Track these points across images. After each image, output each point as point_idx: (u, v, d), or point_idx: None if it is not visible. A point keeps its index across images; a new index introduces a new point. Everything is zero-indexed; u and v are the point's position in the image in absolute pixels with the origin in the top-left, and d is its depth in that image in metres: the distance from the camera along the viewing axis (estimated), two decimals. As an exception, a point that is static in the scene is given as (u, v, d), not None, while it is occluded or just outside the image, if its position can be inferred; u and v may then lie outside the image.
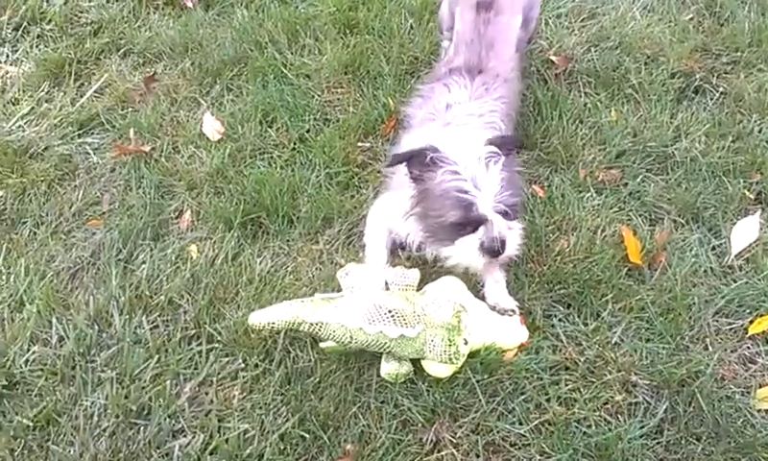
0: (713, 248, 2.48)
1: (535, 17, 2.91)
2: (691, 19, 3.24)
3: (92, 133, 2.96)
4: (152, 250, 2.51)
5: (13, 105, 3.09)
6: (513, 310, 2.26)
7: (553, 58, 3.09)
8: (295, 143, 2.86)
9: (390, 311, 2.06)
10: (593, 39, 3.18)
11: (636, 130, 2.82)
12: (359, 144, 2.84)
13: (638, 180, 2.67)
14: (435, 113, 2.50)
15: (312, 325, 2.06)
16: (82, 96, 3.11)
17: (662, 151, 2.74)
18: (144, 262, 2.46)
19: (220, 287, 2.37)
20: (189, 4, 3.48)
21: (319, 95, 3.05)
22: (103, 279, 2.41)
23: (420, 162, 2.17)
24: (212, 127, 2.91)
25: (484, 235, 2.11)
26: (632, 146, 2.76)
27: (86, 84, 3.18)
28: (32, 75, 3.19)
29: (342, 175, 2.73)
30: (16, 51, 3.34)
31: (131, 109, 3.03)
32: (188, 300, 2.34)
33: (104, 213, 2.65)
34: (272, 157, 2.81)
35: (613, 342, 2.21)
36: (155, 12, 3.49)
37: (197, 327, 2.27)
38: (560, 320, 2.26)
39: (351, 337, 2.05)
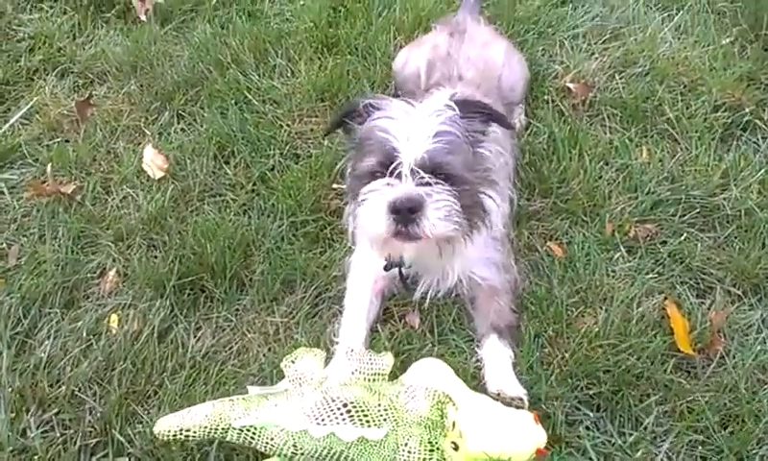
0: (782, 330, 1.93)
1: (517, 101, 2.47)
2: (733, 43, 2.73)
3: (11, 168, 2.42)
4: (60, 320, 1.96)
5: None
6: (520, 399, 1.71)
7: (570, 85, 2.57)
8: (254, 184, 2.32)
9: (345, 406, 1.49)
10: (618, 65, 2.66)
11: (675, 174, 2.28)
12: (334, 186, 2.31)
13: (681, 238, 2.12)
14: None
15: (242, 431, 1.49)
16: (5, 122, 2.58)
17: (708, 201, 2.21)
18: (48, 338, 1.91)
19: (140, 375, 1.80)
20: (143, 17, 2.97)
21: (288, 125, 2.53)
22: (-9, 360, 1.86)
23: (357, 116, 1.80)
24: (154, 162, 2.38)
25: (394, 191, 1.64)
26: (670, 194, 2.22)
27: (13, 108, 2.65)
28: (-52, 97, 2.67)
29: (310, 224, 2.19)
30: (-64, 68, 2.83)
31: (59, 140, 2.50)
32: (97, 393, 1.78)
33: (8, 270, 2.10)
34: (224, 201, 2.28)
35: (661, 460, 1.65)
36: (102, 27, 2.98)
37: (103, 434, 1.70)
38: (588, 428, 1.70)
39: (295, 445, 1.48)
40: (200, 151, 2.43)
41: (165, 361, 1.83)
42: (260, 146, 2.44)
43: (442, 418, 1.53)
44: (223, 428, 1.49)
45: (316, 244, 2.15)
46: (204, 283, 2.02)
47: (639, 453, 1.65)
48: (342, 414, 1.46)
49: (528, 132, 2.44)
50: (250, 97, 2.61)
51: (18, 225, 2.23)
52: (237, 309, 1.98)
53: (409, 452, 1.48)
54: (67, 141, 2.51)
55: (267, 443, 1.49)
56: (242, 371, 1.82)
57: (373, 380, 1.62)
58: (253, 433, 1.49)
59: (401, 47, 2.72)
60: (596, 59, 2.70)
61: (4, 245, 2.18)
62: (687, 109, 2.48)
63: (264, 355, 1.87)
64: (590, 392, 1.75)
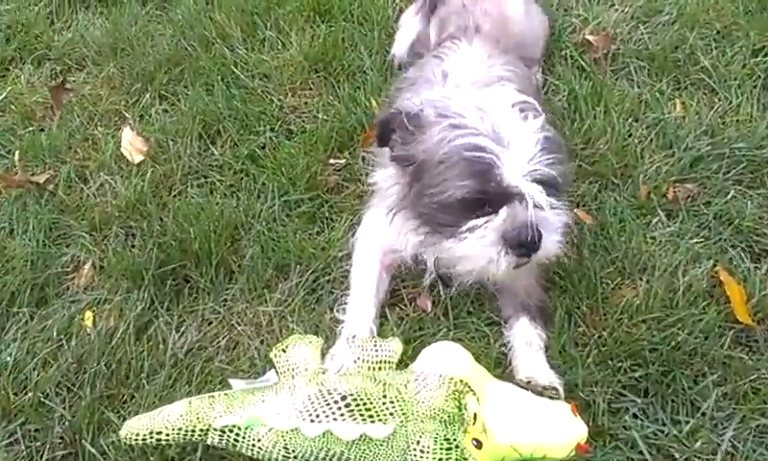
0: None
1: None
2: (770, -16, 2.46)
3: (-20, 160, 2.22)
4: (29, 321, 1.74)
5: None
6: (555, 388, 1.46)
7: (590, 38, 2.32)
8: (243, 163, 2.10)
9: (343, 398, 1.26)
10: (641, 14, 2.41)
11: (715, 127, 2.03)
12: (331, 161, 2.08)
13: (727, 197, 1.86)
14: (432, 82, 1.77)
15: (224, 432, 1.26)
16: (-23, 113, 2.38)
17: (756, 155, 1.95)
18: (14, 340, 1.69)
19: (115, 378, 1.58)
20: (123, -2, 2.76)
21: (279, 100, 2.30)
22: (-50, 368, 1.64)
23: (400, 130, 1.48)
24: (133, 145, 2.16)
25: (509, 219, 1.36)
26: (711, 149, 1.96)
27: (-15, 99, 2.45)
28: None
29: (305, 203, 1.96)
30: None
31: (32, 128, 2.29)
32: (67, 399, 1.56)
33: (-26, 268, 1.89)
34: (210, 183, 2.05)
35: (724, 450, 1.39)
36: (81, 10, 2.77)
37: (73, 444, 1.48)
38: (635, 417, 1.45)
39: (286, 448, 1.24)
40: (183, 132, 2.20)
41: (143, 360, 1.60)
42: (249, 123, 2.21)
43: (460, 410, 1.29)
44: (201, 430, 1.27)
45: (312, 224, 1.92)
46: (188, 272, 1.80)
47: (699, 443, 1.40)
48: (340, 409, 1.23)
49: (545, 90, 2.19)
50: (237, 73, 2.39)
51: (-13, 220, 2.03)
52: (225, 299, 1.76)
53: (422, 451, 1.24)
54: (42, 130, 2.30)
55: (253, 445, 1.26)
56: (230, 367, 1.60)
57: (378, 369, 1.38)
58: (237, 434, 1.26)
59: (402, 10, 2.49)
60: (616, 9, 2.45)
61: (-31, 242, 1.97)
62: (723, 56, 2.22)
63: (256, 349, 1.64)
64: (636, 374, 1.50)
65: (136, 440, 1.26)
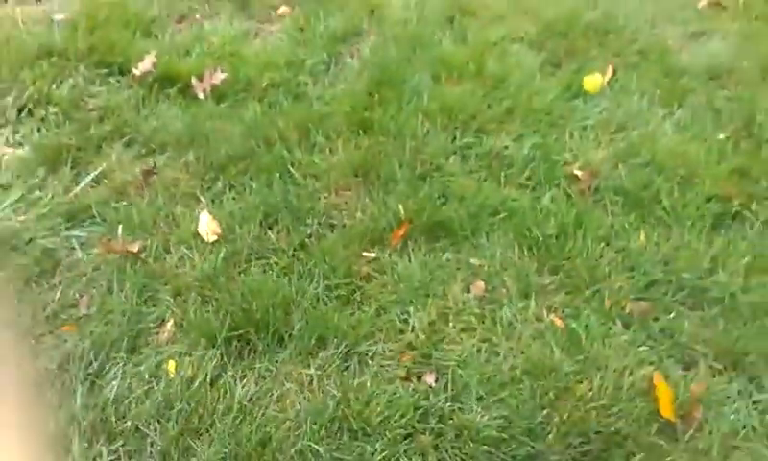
0: (755, 403, 2.16)
1: None
2: (728, 139, 3.03)
3: (81, 226, 2.77)
4: (125, 364, 2.26)
5: (4, 190, 2.93)
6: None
7: (578, 172, 2.88)
8: (295, 249, 2.64)
9: None
10: (622, 155, 2.97)
11: (669, 257, 2.56)
12: (364, 254, 2.62)
13: (671, 315, 2.39)
14: None
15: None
16: (76, 185, 2.95)
17: (697, 284, 2.47)
18: (115, 378, 2.21)
19: (194, 415, 2.10)
20: (201, 95, 3.37)
21: (325, 197, 2.86)
22: (67, 396, 2.16)
23: None
24: (208, 227, 2.72)
25: None
26: (663, 276, 2.50)
27: (83, 172, 3.03)
28: (28, 160, 3.05)
29: (342, 288, 2.49)
30: (17, 133, 3.23)
31: (125, 203, 2.85)
32: (157, 428, 2.07)
33: (80, 318, 2.42)
34: (268, 264, 2.59)
35: (644, 514, 1.89)
36: (164, 101, 3.38)
37: (163, 463, 1.99)
38: (580, 482, 1.95)
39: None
40: (248, 217, 2.76)
41: (216, 403, 2.12)
42: (301, 215, 2.76)
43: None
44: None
45: (347, 306, 2.45)
46: (250, 336, 2.32)
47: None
48: None
49: (542, 213, 2.73)
50: (292, 171, 2.96)
51: (89, 278, 2.56)
52: (277, 361, 2.27)
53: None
54: (131, 204, 2.86)
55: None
56: (281, 415, 2.10)
57: None
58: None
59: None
60: (603, 149, 3.02)
61: (76, 295, 2.50)
62: (683, 198, 2.77)
63: (299, 403, 2.15)
64: (583, 449, 2.00)
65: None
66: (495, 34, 3.65)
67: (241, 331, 2.32)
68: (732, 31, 3.57)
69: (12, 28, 3.81)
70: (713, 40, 3.54)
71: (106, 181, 2.98)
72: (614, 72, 3.34)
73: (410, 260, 2.57)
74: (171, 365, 2.25)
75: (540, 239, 2.60)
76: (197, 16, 3.92)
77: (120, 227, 2.67)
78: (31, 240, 2.69)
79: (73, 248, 2.67)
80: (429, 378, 2.23)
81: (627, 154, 2.98)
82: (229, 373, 2.22)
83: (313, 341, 2.31)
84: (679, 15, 3.69)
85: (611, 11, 3.69)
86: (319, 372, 2.24)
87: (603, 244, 2.61)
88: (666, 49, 3.49)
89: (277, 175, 2.94)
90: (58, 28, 3.79)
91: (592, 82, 3.28)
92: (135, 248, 2.63)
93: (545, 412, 2.09)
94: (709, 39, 3.55)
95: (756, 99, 3.18)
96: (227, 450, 1.99)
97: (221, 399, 2.14)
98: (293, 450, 2.01)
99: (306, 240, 2.68)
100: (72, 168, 3.03)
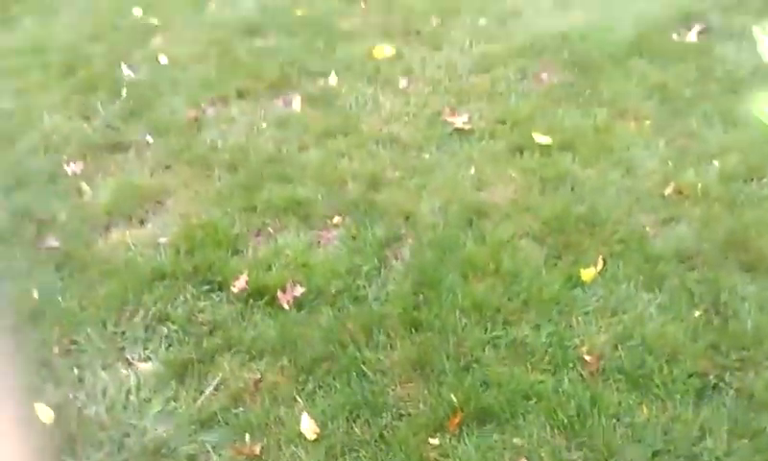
0: None
1: None
2: (700, 317, 3.86)
3: (212, 432, 3.60)
4: None
5: (147, 402, 3.81)
6: None
7: (586, 357, 3.70)
8: (376, 440, 3.45)
9: None
10: (619, 338, 3.78)
11: (667, 428, 3.32)
12: (430, 441, 3.42)
13: (667, 474, 3.16)
14: None
15: None
16: (201, 394, 3.82)
17: (692, 450, 3.22)
18: None
19: None
20: (285, 305, 4.28)
21: (392, 390, 3.68)
22: None
23: None
24: (308, 426, 3.55)
25: None
26: (664, 445, 3.25)
27: (204, 382, 3.90)
28: (160, 374, 3.94)
29: (413, 473, 3.28)
30: (147, 349, 4.14)
31: (241, 409, 3.70)
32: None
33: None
34: (358, 457, 3.39)
35: None
36: (258, 313, 4.28)
37: None
38: None
39: None
40: (336, 414, 3.57)
41: None
42: (376, 409, 3.58)
43: None
44: None
45: (423, 489, 3.24)
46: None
47: None
48: None
49: (564, 396, 3.53)
50: (364, 369, 3.80)
51: (223, 482, 3.39)
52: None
53: None
54: (247, 411, 3.69)
55: None
56: None
57: None
58: None
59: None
60: (603, 333, 3.84)
61: (217, 493, 3.33)
62: (671, 375, 3.56)
63: None
64: None
65: None
66: (506, 232, 4.53)
67: (349, 516, 3.11)
68: (694, 216, 4.43)
69: (127, 252, 4.80)
70: (681, 225, 4.39)
71: (223, 388, 3.84)
72: (604, 262, 4.20)
73: (466, 444, 3.37)
74: None
75: (565, 420, 3.40)
76: (270, 230, 4.88)
77: (248, 435, 3.51)
78: (174, 449, 3.54)
79: (209, 452, 3.50)
80: None
81: (623, 337, 3.79)
82: None
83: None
84: (649, 203, 4.56)
85: (594, 203, 4.59)
86: None
87: (614, 420, 3.39)
88: (643, 236, 4.34)
89: (354, 373, 3.79)
90: (164, 250, 4.77)
91: (587, 273, 4.13)
92: (257, 450, 3.46)
93: None
94: (678, 224, 4.41)
95: (718, 279, 4.00)
96: None
97: None
98: None
99: (383, 432, 3.49)
100: (196, 379, 3.91)
